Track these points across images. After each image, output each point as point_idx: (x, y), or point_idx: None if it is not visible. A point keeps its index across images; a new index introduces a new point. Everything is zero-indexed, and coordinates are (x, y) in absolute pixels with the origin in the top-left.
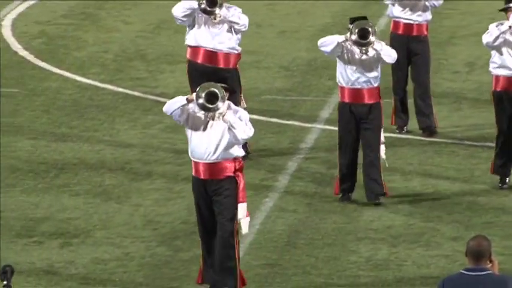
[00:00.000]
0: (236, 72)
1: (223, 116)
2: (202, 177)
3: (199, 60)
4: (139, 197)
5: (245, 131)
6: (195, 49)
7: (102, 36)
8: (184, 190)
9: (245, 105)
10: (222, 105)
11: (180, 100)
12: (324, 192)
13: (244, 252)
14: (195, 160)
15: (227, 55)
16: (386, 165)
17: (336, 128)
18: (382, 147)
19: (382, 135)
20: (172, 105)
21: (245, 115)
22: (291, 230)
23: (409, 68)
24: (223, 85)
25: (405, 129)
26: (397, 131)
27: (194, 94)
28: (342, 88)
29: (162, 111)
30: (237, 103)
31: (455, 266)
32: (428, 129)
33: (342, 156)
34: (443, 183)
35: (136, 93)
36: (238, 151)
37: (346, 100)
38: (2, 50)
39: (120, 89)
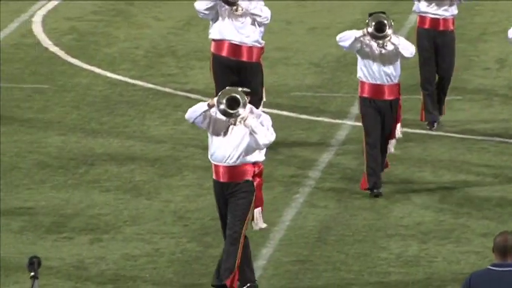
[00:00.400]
0: (259, 65)
1: (244, 121)
2: (221, 180)
3: (224, 53)
4: (170, 193)
5: (266, 135)
6: (219, 43)
7: (133, 32)
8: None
9: (264, 99)
10: (243, 111)
11: (202, 106)
12: (354, 188)
13: (275, 249)
14: (215, 163)
15: (250, 48)
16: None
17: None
18: (393, 142)
19: (399, 129)
20: (194, 112)
21: (267, 120)
22: (322, 226)
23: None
24: (244, 89)
25: (435, 125)
26: (428, 127)
27: (215, 99)
28: (363, 83)
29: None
30: (258, 94)
31: (485, 262)
32: (432, 124)
33: (370, 150)
34: (474, 180)
35: (166, 90)
36: (258, 156)
37: (366, 95)
38: (33, 46)
39: (151, 85)
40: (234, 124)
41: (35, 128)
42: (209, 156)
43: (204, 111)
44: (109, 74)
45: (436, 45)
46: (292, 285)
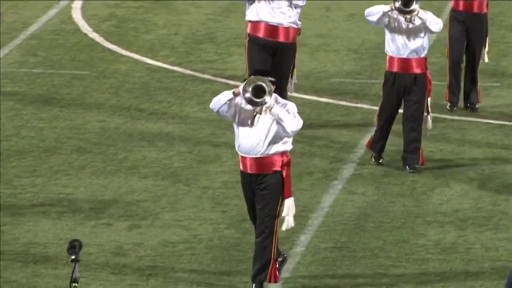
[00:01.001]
0: (294, 46)
1: (270, 110)
2: (249, 171)
3: (261, 34)
4: (208, 179)
5: (294, 123)
6: (256, 24)
7: (172, 18)
8: None
9: (295, 81)
10: (270, 99)
11: (227, 95)
12: (392, 175)
13: (313, 235)
14: (242, 155)
15: (287, 29)
16: (427, 135)
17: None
18: (429, 118)
19: (430, 106)
20: (219, 101)
21: (293, 107)
22: (360, 213)
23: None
24: (270, 79)
25: (456, 108)
26: (448, 109)
27: (241, 87)
28: (391, 58)
29: None
30: (289, 77)
31: None
32: (453, 105)
33: (381, 120)
34: None
35: (205, 76)
36: (286, 145)
37: (394, 70)
38: (72, 33)
39: (190, 72)
40: (260, 113)
41: (74, 114)
42: (236, 148)
43: (229, 100)
44: (148, 61)
45: (467, 28)
46: (330, 272)
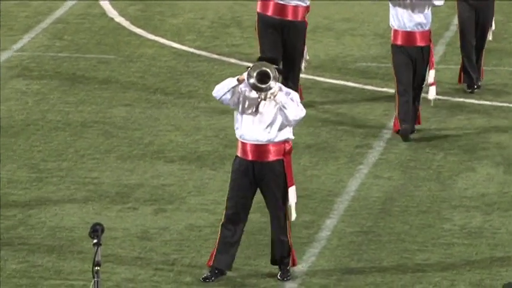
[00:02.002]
0: (303, 24)
1: (274, 96)
2: (249, 158)
3: (269, 13)
4: None
5: (297, 111)
6: (265, 2)
7: (198, 2)
8: None
9: (307, 57)
10: (274, 85)
11: (230, 82)
12: (418, 159)
13: (339, 220)
14: (243, 141)
15: (296, 8)
16: (432, 104)
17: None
18: (433, 88)
19: (433, 75)
20: (223, 88)
21: (296, 96)
22: (386, 197)
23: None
24: (275, 66)
25: (474, 89)
26: (468, 90)
27: (245, 74)
28: (395, 31)
29: None
30: (301, 54)
31: None
32: (472, 87)
33: (401, 98)
34: None
35: (232, 60)
36: (289, 133)
37: (399, 43)
38: (98, 17)
39: (216, 56)
40: (264, 99)
41: (100, 98)
42: (237, 135)
43: (232, 87)
44: (174, 45)
45: (476, 9)
46: (356, 256)
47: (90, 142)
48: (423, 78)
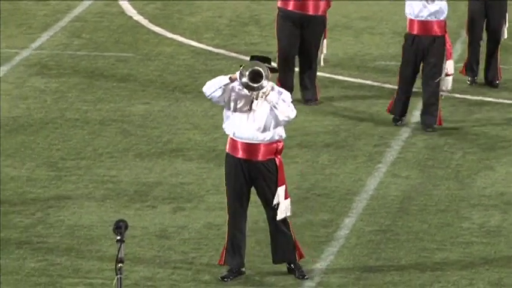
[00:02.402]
0: (323, 19)
1: (266, 96)
2: (240, 156)
3: (290, 7)
4: None
5: (287, 112)
6: None
7: (216, 1)
8: (297, 156)
9: (325, 51)
10: (266, 84)
11: (222, 80)
12: (437, 158)
13: (357, 218)
14: (235, 138)
15: (316, 2)
16: (442, 97)
17: (452, 95)
18: (450, 79)
19: (450, 67)
20: (214, 85)
21: (288, 97)
22: (404, 196)
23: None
24: (268, 65)
25: (475, 82)
26: (468, 83)
27: (237, 73)
28: (411, 20)
29: (275, 75)
30: (319, 48)
31: None
32: (473, 81)
33: (400, 81)
34: None
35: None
36: (281, 132)
37: (414, 32)
38: (116, 15)
39: (234, 54)
40: (256, 98)
41: (118, 96)
42: (228, 132)
43: (224, 85)
44: (193, 43)
45: (486, 5)
46: (374, 255)
47: (109, 140)
48: (435, 69)
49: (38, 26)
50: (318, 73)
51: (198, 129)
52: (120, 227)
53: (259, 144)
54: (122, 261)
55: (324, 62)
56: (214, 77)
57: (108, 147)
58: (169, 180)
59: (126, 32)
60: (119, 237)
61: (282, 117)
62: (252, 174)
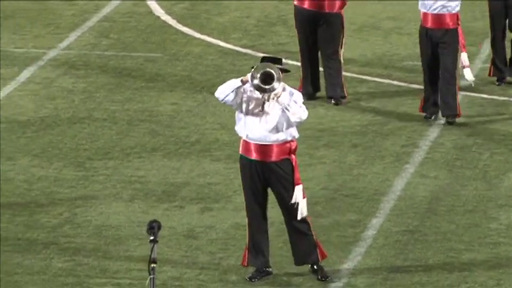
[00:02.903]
0: (340, 16)
1: (278, 97)
2: (254, 158)
3: (306, 6)
4: None
5: (299, 113)
6: None
7: (244, 1)
8: (325, 156)
9: (343, 50)
10: (278, 86)
11: (234, 83)
12: (465, 158)
13: (385, 219)
14: (248, 140)
15: (332, 1)
16: (472, 85)
17: (480, 95)
18: (468, 70)
19: (465, 59)
20: (226, 89)
21: (299, 97)
22: (432, 197)
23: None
24: (279, 66)
25: (504, 82)
26: (497, 83)
27: (249, 75)
28: (424, 14)
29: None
30: (337, 47)
31: None
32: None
33: (425, 76)
34: None
35: None
36: (294, 132)
37: (428, 25)
38: (144, 15)
39: (262, 54)
40: (268, 100)
41: (146, 96)
42: (241, 135)
43: (236, 88)
44: (220, 43)
45: (506, 6)
46: (401, 256)
47: (137, 140)
48: (449, 62)
49: (65, 25)
50: (346, 73)
51: (225, 130)
52: (153, 227)
53: (271, 145)
54: (155, 262)
55: (351, 62)
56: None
57: (136, 147)
58: (197, 181)
59: (154, 32)
60: (152, 238)
61: (293, 119)
62: (266, 175)
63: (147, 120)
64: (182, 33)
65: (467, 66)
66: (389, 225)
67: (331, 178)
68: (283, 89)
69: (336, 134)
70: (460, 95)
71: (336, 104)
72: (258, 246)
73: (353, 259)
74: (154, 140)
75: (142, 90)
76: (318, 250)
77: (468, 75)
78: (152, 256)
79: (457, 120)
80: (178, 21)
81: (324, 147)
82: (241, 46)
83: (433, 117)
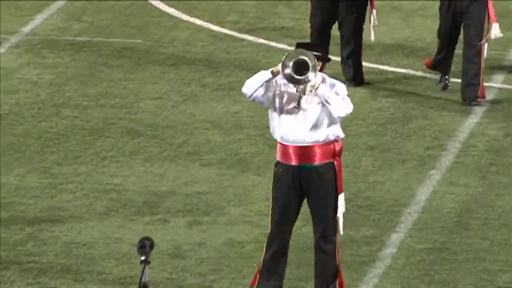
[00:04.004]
0: None
1: (316, 89)
2: (293, 163)
3: None
4: None
5: (342, 106)
6: None
7: None
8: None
9: (375, 22)
10: (314, 77)
11: (264, 74)
12: (501, 163)
13: (406, 234)
14: (284, 143)
15: None
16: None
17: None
18: (497, 25)
19: (496, 30)
20: (255, 82)
21: (342, 89)
22: (462, 208)
23: None
24: (315, 53)
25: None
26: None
27: (280, 65)
28: None
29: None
30: (364, 21)
31: None
32: None
33: (441, 43)
34: None
35: (280, 46)
36: (338, 131)
37: None
38: None
39: (262, 40)
40: (304, 93)
41: (125, 90)
42: (277, 137)
43: (266, 81)
44: (213, 27)
45: None
46: (426, 278)
47: (113, 142)
48: (476, 33)
49: (30, 6)
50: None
51: (218, 129)
52: (144, 246)
53: (313, 146)
54: (146, 286)
55: (367, 49)
56: (238, 67)
57: (113, 150)
58: (184, 189)
59: (134, 14)
60: (143, 258)
61: (336, 114)
62: (307, 181)
63: (125, 118)
64: (167, 15)
65: (489, 41)
66: (411, 241)
67: (343, 186)
68: (323, 80)
69: (349, 134)
70: (498, 88)
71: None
72: (273, 269)
73: (368, 282)
74: (134, 141)
75: (120, 83)
76: (337, 279)
77: (496, 31)
78: (143, 280)
79: (492, 117)
80: (163, 1)
81: None
82: (238, 30)
83: (446, 78)
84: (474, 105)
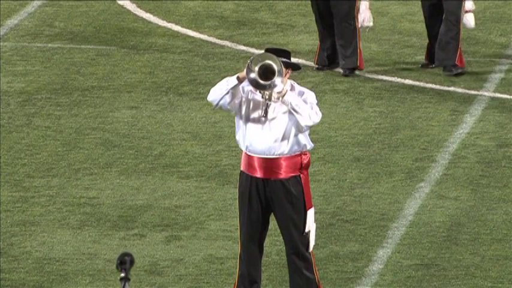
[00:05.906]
0: None
1: (282, 97)
2: (258, 175)
3: None
4: None
5: (310, 115)
6: None
7: None
8: (320, 172)
9: (371, 24)
10: (281, 82)
11: (230, 81)
12: (493, 175)
13: (394, 250)
14: (249, 154)
15: None
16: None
17: (509, 96)
18: (471, 15)
19: (471, 3)
20: (220, 90)
21: (312, 97)
22: (452, 223)
23: None
24: (283, 59)
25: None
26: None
27: (245, 69)
28: None
29: (294, 75)
30: (352, 20)
31: None
32: None
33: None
34: None
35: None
36: (306, 142)
37: None
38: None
39: (242, 47)
40: (270, 99)
41: (99, 98)
42: (241, 146)
43: (232, 88)
44: (191, 33)
45: None
46: None
47: (87, 154)
48: (455, 6)
49: None
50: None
51: (196, 140)
52: (124, 262)
53: (279, 158)
54: None
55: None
56: (218, 75)
57: (86, 162)
58: (162, 203)
59: (108, 19)
60: (123, 275)
61: (303, 122)
62: (272, 196)
63: (99, 129)
64: (143, 20)
65: (470, 12)
66: (399, 257)
67: (327, 200)
68: (291, 88)
69: (334, 145)
70: (489, 97)
71: (346, 75)
72: (249, 285)
73: None
74: (108, 153)
75: (93, 91)
76: None
77: (471, 21)
78: None
79: (483, 127)
80: (139, 6)
81: (319, 161)
82: (217, 36)
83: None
84: (450, 75)
